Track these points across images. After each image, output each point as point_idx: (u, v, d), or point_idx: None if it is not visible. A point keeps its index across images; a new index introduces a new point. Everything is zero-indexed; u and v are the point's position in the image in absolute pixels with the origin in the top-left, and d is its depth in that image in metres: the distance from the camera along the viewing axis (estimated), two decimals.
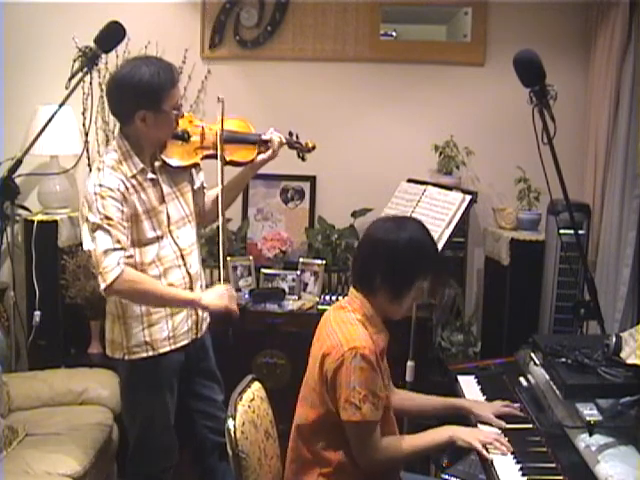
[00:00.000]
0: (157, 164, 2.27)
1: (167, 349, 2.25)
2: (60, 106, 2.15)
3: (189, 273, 2.29)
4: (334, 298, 3.24)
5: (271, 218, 3.55)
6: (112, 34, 2.21)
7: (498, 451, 1.79)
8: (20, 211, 3.03)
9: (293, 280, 3.33)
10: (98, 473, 2.61)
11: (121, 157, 2.17)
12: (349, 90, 3.53)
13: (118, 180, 2.12)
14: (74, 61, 2.17)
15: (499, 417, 1.97)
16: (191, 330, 2.32)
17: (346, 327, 1.84)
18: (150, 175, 2.22)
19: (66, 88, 2.16)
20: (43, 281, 3.20)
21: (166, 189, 2.27)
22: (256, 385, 1.98)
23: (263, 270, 3.37)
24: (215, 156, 2.37)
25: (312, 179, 3.53)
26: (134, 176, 2.17)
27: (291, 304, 3.24)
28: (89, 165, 3.36)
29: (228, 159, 2.43)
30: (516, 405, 2.04)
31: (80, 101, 3.20)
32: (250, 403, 1.88)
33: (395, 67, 3.51)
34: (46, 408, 2.86)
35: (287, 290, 3.30)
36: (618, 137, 3.09)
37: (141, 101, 2.11)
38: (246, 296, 3.28)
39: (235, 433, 1.74)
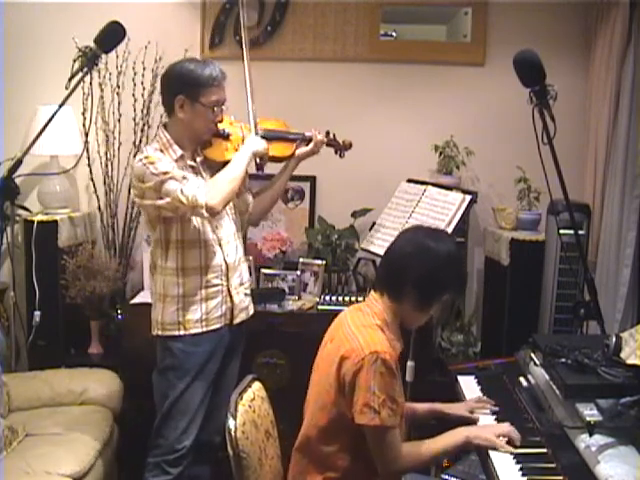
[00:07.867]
0: (199, 159, 2.41)
1: (198, 330, 2.33)
2: (60, 106, 2.14)
3: (226, 262, 2.40)
4: (334, 298, 3.24)
5: (271, 218, 3.54)
6: (112, 34, 2.21)
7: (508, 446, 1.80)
8: (20, 211, 3.02)
9: (293, 280, 3.32)
10: (98, 473, 2.61)
11: (162, 147, 2.32)
12: (349, 90, 3.53)
13: (162, 155, 2.28)
14: (74, 61, 2.16)
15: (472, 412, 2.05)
16: (224, 315, 2.40)
17: (367, 331, 1.83)
18: (190, 162, 2.36)
19: (66, 88, 2.15)
20: (43, 281, 3.20)
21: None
22: (257, 385, 1.99)
23: (263, 270, 3.36)
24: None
25: (312, 179, 3.53)
26: (175, 161, 2.30)
27: (291, 304, 3.24)
28: (89, 165, 3.37)
29: (270, 154, 2.55)
30: (491, 401, 2.07)
31: (80, 101, 3.20)
32: (251, 403, 1.88)
33: (395, 67, 3.51)
34: (46, 408, 2.86)
35: (287, 290, 3.29)
36: (618, 137, 3.09)
37: (181, 86, 2.29)
38: None
39: (236, 433, 1.74)
